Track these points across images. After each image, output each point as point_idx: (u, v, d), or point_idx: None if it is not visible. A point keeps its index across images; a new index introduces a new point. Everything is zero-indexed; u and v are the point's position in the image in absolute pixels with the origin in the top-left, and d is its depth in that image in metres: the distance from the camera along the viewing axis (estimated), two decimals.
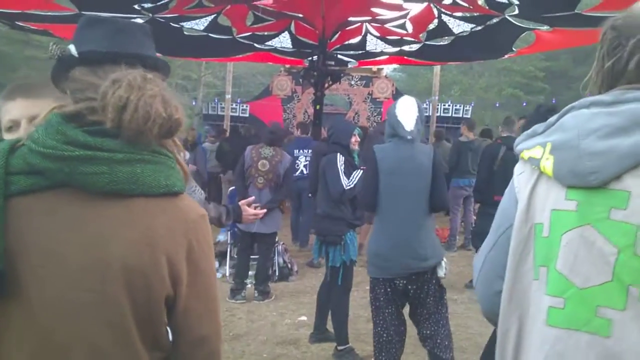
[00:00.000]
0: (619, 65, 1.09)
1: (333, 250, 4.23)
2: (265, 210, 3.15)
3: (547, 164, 1.09)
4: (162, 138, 1.08)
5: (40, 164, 1.00)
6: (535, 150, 1.13)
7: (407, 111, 3.35)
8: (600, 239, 1.00)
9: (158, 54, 1.25)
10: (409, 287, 3.35)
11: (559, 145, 1.08)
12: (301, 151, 7.83)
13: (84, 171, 1.00)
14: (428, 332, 3.39)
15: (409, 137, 3.31)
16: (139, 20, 7.68)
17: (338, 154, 4.25)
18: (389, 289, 3.38)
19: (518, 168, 1.21)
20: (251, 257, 5.77)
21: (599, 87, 1.15)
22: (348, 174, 4.19)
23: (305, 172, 7.64)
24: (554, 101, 23.54)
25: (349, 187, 4.14)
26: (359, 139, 4.46)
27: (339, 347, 4.21)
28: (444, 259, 3.42)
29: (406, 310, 3.54)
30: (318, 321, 4.49)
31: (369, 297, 3.55)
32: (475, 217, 7.17)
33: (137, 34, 1.17)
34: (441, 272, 3.39)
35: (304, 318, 4.99)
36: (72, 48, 1.12)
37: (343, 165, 4.19)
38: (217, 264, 6.43)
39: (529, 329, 1.11)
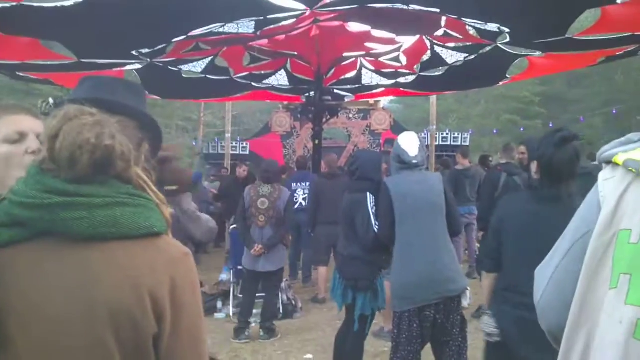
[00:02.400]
0: None
1: (363, 296, 3.84)
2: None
3: None
4: (100, 168, 1.07)
5: (22, 214, 1.02)
6: (636, 152, 1.05)
7: (409, 140, 3.52)
8: None
9: (157, 97, 1.32)
10: (437, 317, 3.31)
11: None
12: (299, 184, 7.87)
13: (64, 217, 1.02)
14: None
15: (414, 162, 3.43)
16: (137, 66, 7.83)
17: (368, 193, 3.78)
18: (415, 324, 3.31)
19: (605, 174, 1.12)
20: (257, 295, 5.72)
21: None
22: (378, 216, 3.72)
23: (304, 204, 7.65)
24: (551, 125, 23.69)
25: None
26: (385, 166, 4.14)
27: None
28: (468, 288, 3.40)
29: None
30: None
31: (392, 333, 3.47)
32: (478, 245, 7.13)
33: (114, 85, 1.24)
34: (465, 302, 3.38)
35: (309, 356, 4.91)
36: (51, 101, 1.18)
37: (374, 208, 3.72)
38: (220, 303, 6.39)
39: (598, 343, 1.01)
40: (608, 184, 1.10)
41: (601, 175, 1.13)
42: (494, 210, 5.64)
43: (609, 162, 1.12)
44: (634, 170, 1.03)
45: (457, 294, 3.30)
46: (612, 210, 1.04)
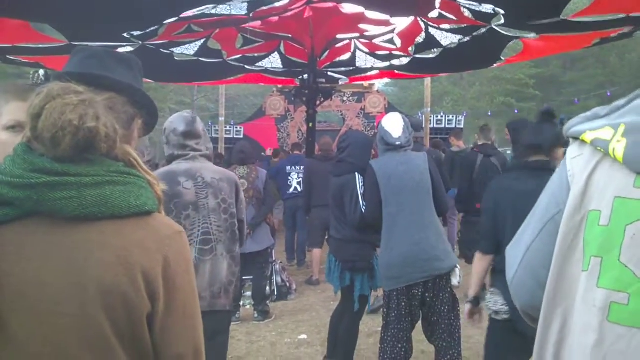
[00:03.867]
0: None
1: (361, 277, 3.88)
2: None
3: (619, 147, 0.98)
4: (83, 150, 1.06)
5: (9, 193, 1.01)
6: (604, 131, 1.02)
7: (393, 122, 3.52)
8: None
9: (150, 80, 1.29)
10: (426, 295, 3.33)
11: (636, 127, 0.98)
12: (293, 167, 7.84)
13: (52, 197, 1.01)
14: (444, 343, 3.36)
15: (397, 143, 3.44)
16: (129, 49, 7.75)
17: (356, 174, 3.83)
18: (403, 302, 3.34)
19: (573, 151, 1.11)
20: (245, 278, 5.73)
21: None
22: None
23: (299, 189, 7.64)
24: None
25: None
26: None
27: None
28: (457, 266, 3.42)
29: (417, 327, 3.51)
30: (333, 348, 4.14)
31: (382, 312, 3.51)
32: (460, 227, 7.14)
33: (104, 59, 1.20)
34: (455, 280, 3.39)
35: (304, 337, 4.96)
36: (41, 72, 1.15)
37: (362, 188, 3.75)
38: None
39: (574, 325, 1.03)
40: (576, 162, 1.09)
41: (569, 152, 1.12)
42: (471, 192, 5.73)
43: (576, 138, 1.10)
44: (602, 150, 1.02)
45: (445, 272, 3.31)
46: (582, 191, 1.04)
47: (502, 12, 6.51)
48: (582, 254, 1.02)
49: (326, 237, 7.11)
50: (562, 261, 1.06)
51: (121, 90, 1.18)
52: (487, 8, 6.43)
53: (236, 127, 14.41)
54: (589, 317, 0.98)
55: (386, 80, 21.29)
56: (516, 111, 23.29)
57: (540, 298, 1.10)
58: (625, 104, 1.05)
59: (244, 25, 8.30)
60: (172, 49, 8.60)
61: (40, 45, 7.40)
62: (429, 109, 12.69)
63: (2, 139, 1.43)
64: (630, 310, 0.94)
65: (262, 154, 12.14)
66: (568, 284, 1.05)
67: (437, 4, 7.10)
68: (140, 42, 7.60)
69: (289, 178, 7.81)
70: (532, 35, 7.53)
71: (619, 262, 0.96)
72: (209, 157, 2.84)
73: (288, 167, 7.89)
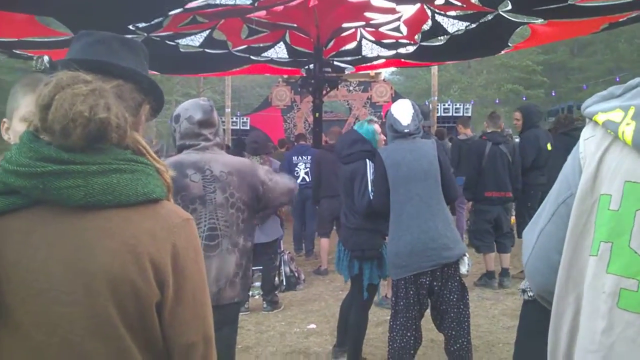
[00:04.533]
0: None
1: (370, 266, 3.83)
2: None
3: (628, 130, 0.96)
4: (94, 140, 1.04)
5: (15, 182, 1.00)
6: (615, 113, 1.00)
7: (402, 109, 3.48)
8: None
9: (155, 72, 1.26)
10: (434, 283, 3.32)
11: None
12: (300, 157, 7.80)
13: (59, 186, 1.00)
14: (453, 332, 3.34)
15: (406, 131, 3.40)
16: None
17: (367, 160, 3.81)
18: (411, 291, 3.33)
19: (586, 132, 1.08)
20: (254, 268, 5.74)
21: None
22: None
23: (307, 179, 7.62)
24: (553, 94, 23.52)
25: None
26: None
27: None
28: (466, 255, 3.39)
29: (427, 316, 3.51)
30: (342, 337, 4.13)
31: (391, 300, 3.51)
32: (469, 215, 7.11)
33: (112, 45, 1.17)
34: (464, 269, 3.35)
35: (312, 326, 4.97)
36: (46, 58, 1.13)
37: (373, 174, 3.70)
38: None
39: (585, 311, 1.01)
40: (589, 143, 1.06)
41: (583, 133, 1.10)
42: (480, 180, 5.66)
43: (590, 118, 1.08)
44: (612, 133, 1.00)
45: (453, 260, 3.28)
46: (593, 174, 1.02)
47: None
48: (592, 239, 1.00)
49: (334, 227, 7.12)
50: (574, 246, 1.04)
51: (129, 77, 1.16)
52: None
53: (242, 118, 14.41)
54: (598, 303, 0.97)
55: (392, 69, 21.21)
56: (524, 98, 23.13)
57: (554, 282, 1.08)
58: (637, 84, 1.02)
59: (249, 15, 8.27)
60: (177, 41, 8.61)
61: (46, 39, 7.42)
62: (436, 98, 12.62)
63: (19, 129, 1.43)
64: (639, 298, 0.92)
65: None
66: (580, 270, 1.03)
67: None
68: (145, 34, 7.60)
69: (296, 169, 7.78)
70: (539, 20, 7.46)
71: (629, 248, 0.94)
72: (221, 145, 2.74)
73: (295, 158, 7.86)
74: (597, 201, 1.00)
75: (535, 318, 2.69)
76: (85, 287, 1.02)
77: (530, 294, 2.68)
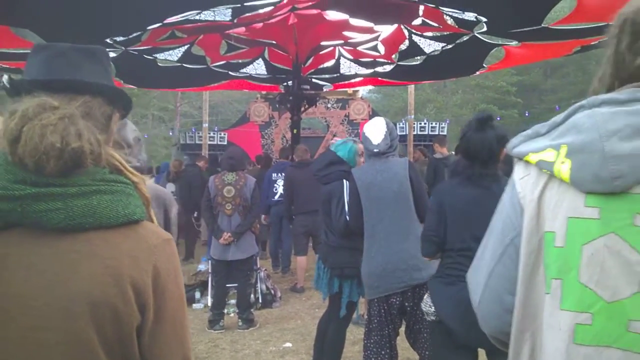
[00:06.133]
0: (633, 62, 1.01)
1: (350, 284, 3.85)
2: None
3: (564, 168, 0.99)
4: (68, 170, 1.02)
5: None
6: (547, 153, 1.03)
7: (374, 128, 3.47)
8: (626, 247, 0.92)
9: (132, 86, 1.22)
10: (405, 304, 3.31)
11: (578, 147, 0.98)
12: (279, 175, 7.79)
13: (37, 209, 0.97)
14: (427, 352, 3.32)
15: (375, 150, 3.40)
16: (112, 54, 7.69)
17: (344, 181, 3.83)
18: (382, 310, 3.32)
19: (519, 171, 1.11)
20: (229, 285, 5.68)
21: (607, 85, 1.07)
22: None
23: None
24: (527, 114, 23.98)
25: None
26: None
27: None
28: None
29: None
30: (319, 355, 4.07)
31: (366, 319, 3.49)
32: None
33: (71, 58, 1.12)
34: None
35: (288, 345, 4.92)
36: (5, 78, 1.09)
37: (349, 195, 3.70)
38: (198, 294, 6.35)
39: (544, 347, 1.03)
40: (524, 182, 1.09)
41: (516, 173, 1.12)
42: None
43: (521, 158, 1.11)
44: (547, 172, 1.03)
45: (423, 281, 3.25)
46: (535, 212, 1.04)
47: (484, 19, 6.59)
48: (544, 276, 1.03)
49: (310, 244, 7.09)
50: (527, 284, 1.06)
51: (95, 92, 1.13)
52: (470, 16, 6.51)
53: (220, 134, 14.36)
54: (556, 341, 0.99)
55: (370, 87, 21.39)
56: (499, 118, 23.50)
57: (508, 323, 1.10)
58: (563, 120, 1.05)
59: (228, 32, 8.29)
60: (155, 55, 8.56)
61: (21, 51, 7.31)
62: (413, 116, 12.77)
63: None
64: (595, 330, 0.94)
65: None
66: (534, 307, 1.05)
67: (421, 12, 7.17)
68: (123, 48, 7.54)
69: (275, 185, 7.77)
70: (514, 42, 7.62)
71: (578, 283, 0.96)
72: (141, 170, 2.62)
73: (274, 175, 7.85)
74: (543, 239, 1.03)
75: (440, 340, 2.74)
76: (65, 312, 0.99)
77: (433, 317, 2.75)
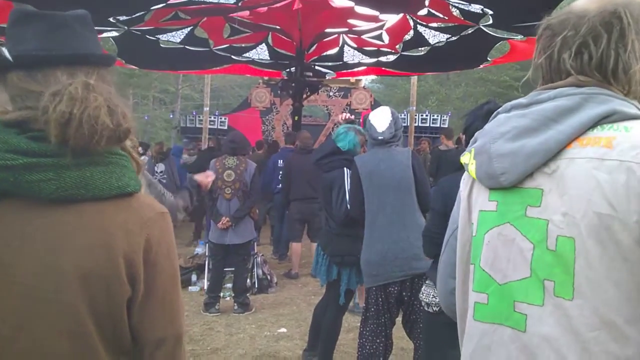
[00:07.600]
0: (552, 63, 1.09)
1: (349, 272, 3.87)
2: None
3: (472, 169, 1.15)
4: (110, 146, 1.05)
5: None
6: (466, 156, 1.19)
7: (379, 116, 3.48)
8: (519, 236, 1.04)
9: (134, 67, 1.21)
10: (403, 293, 3.33)
11: (478, 150, 1.14)
12: (283, 161, 7.77)
13: (29, 179, 0.97)
14: (422, 343, 3.35)
15: (380, 138, 3.40)
16: (114, 34, 7.64)
17: (345, 169, 3.85)
18: (380, 299, 3.34)
19: (464, 173, 1.27)
20: (227, 269, 5.69)
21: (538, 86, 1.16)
22: None
23: None
24: None
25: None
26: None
27: None
28: None
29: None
30: (314, 341, 4.12)
31: (363, 306, 3.51)
32: None
33: (75, 28, 1.10)
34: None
35: (283, 330, 4.94)
36: (5, 50, 1.05)
37: (350, 183, 3.72)
38: (195, 277, 6.36)
39: (466, 324, 1.17)
40: (464, 180, 1.25)
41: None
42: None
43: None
44: (468, 172, 1.19)
45: (423, 271, 3.27)
46: (467, 206, 1.19)
47: (490, 12, 6.54)
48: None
49: (305, 230, 7.09)
50: (462, 270, 1.22)
51: (104, 63, 1.13)
52: (476, 8, 6.45)
53: (221, 118, 14.32)
54: (469, 318, 1.14)
55: (372, 76, 21.35)
56: None
57: (453, 302, 1.27)
58: (480, 132, 1.19)
59: (232, 15, 8.22)
60: (158, 36, 8.49)
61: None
62: (414, 108, 12.73)
63: None
64: (489, 309, 1.08)
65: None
66: (468, 289, 1.19)
67: (427, 2, 7.10)
68: (126, 27, 7.48)
69: (280, 172, 7.72)
70: (519, 37, 7.57)
71: (479, 267, 1.11)
72: None
73: (280, 161, 7.79)
74: (470, 230, 1.18)
75: (438, 332, 2.74)
76: (56, 283, 0.99)
77: (436, 308, 2.76)
